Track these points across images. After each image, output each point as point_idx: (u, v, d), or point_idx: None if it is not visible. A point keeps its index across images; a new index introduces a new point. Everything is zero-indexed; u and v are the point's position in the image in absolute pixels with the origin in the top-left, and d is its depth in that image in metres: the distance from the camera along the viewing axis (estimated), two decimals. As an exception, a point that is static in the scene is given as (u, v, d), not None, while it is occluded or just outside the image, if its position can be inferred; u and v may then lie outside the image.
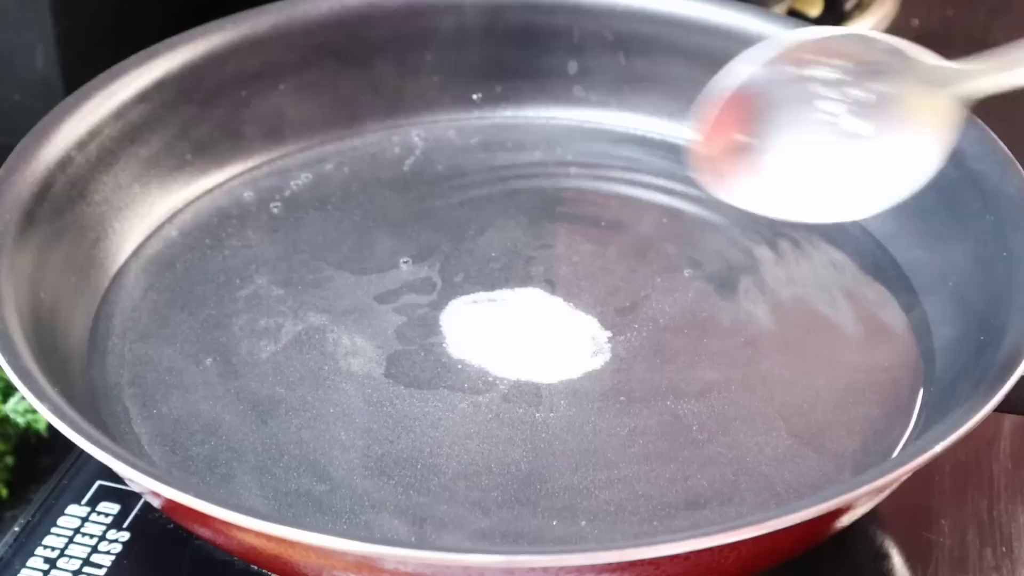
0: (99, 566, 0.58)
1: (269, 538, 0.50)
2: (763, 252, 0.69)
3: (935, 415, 0.58)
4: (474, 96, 0.76)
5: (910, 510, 0.61)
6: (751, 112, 0.60)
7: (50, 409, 0.53)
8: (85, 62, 0.72)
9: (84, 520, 0.60)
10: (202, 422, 0.60)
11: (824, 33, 0.60)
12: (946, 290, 0.64)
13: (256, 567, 0.57)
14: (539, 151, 0.74)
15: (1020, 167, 0.64)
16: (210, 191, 0.71)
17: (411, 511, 0.56)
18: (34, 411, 0.68)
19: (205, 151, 0.71)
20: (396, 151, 0.74)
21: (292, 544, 0.50)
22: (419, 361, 0.62)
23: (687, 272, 0.67)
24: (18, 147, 0.64)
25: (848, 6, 0.93)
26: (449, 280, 0.66)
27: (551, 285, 0.66)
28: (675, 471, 0.58)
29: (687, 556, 0.50)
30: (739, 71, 0.59)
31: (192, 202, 0.70)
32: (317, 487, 0.57)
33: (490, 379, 0.61)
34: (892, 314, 0.65)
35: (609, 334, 0.64)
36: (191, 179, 0.70)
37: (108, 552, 0.59)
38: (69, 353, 0.61)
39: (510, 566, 0.50)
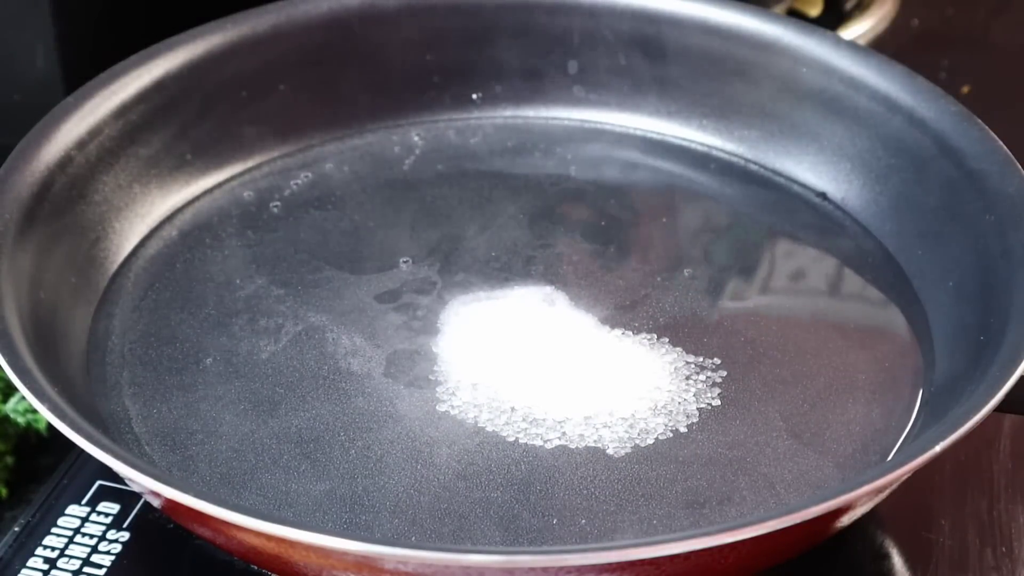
0: (99, 566, 0.58)
1: (269, 538, 0.50)
2: (763, 252, 0.69)
3: (935, 415, 0.58)
4: (474, 96, 0.76)
5: (910, 510, 0.61)
6: None
7: (50, 409, 0.53)
8: (85, 62, 0.72)
9: (84, 520, 0.60)
10: (202, 422, 0.60)
11: None
12: (946, 290, 0.64)
13: (256, 567, 0.57)
14: (539, 151, 0.74)
15: (1020, 167, 0.64)
16: (210, 191, 0.71)
17: (411, 511, 0.56)
18: (34, 411, 0.68)
19: (205, 151, 0.71)
20: (396, 151, 0.74)
21: (292, 544, 0.50)
22: (419, 361, 0.62)
23: (687, 272, 0.67)
24: (18, 147, 0.64)
25: (848, 6, 0.93)
26: (449, 280, 0.66)
27: (551, 284, 0.66)
28: (675, 471, 0.58)
29: (687, 556, 0.50)
30: None
31: (192, 202, 0.70)
32: (317, 487, 0.57)
33: (490, 379, 0.61)
34: (892, 314, 0.65)
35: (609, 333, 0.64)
36: (191, 179, 0.70)
37: (108, 552, 0.59)
38: (69, 353, 0.61)
39: (510, 566, 0.50)
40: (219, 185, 0.71)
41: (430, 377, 0.62)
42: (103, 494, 0.61)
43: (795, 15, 0.90)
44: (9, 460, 0.68)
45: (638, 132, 0.75)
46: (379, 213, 0.70)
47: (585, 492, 0.57)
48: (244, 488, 0.57)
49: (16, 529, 0.60)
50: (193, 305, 0.65)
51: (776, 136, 0.72)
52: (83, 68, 0.70)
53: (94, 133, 0.66)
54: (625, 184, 0.73)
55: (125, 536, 0.59)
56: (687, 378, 0.62)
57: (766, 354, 0.63)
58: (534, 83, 0.76)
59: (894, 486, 0.55)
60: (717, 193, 0.72)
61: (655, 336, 0.64)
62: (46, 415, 0.53)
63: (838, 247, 0.69)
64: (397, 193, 0.72)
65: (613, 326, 0.64)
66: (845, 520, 0.54)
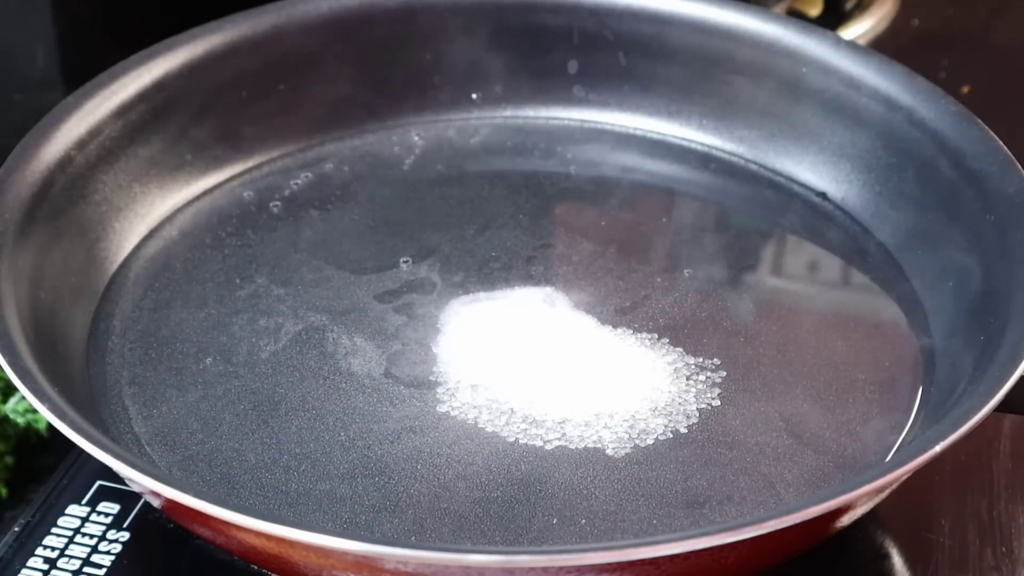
0: (99, 566, 0.58)
1: (269, 538, 0.50)
2: (763, 252, 0.69)
3: (935, 415, 0.58)
4: (474, 96, 0.76)
5: (910, 510, 0.61)
6: None
7: (50, 409, 0.53)
8: (85, 62, 0.72)
9: (84, 520, 0.60)
10: (202, 422, 0.60)
11: None
12: (946, 290, 0.64)
13: (256, 567, 0.57)
14: (539, 151, 0.74)
15: (1020, 167, 0.64)
16: (210, 191, 0.71)
17: (411, 511, 0.56)
18: (34, 411, 0.68)
19: (205, 151, 0.71)
20: (396, 151, 0.74)
21: (292, 544, 0.50)
22: (419, 361, 0.62)
23: (687, 272, 0.67)
24: (18, 147, 0.64)
25: (848, 6, 0.93)
26: (449, 280, 0.66)
27: (551, 285, 0.66)
28: (675, 471, 0.58)
29: (687, 556, 0.50)
30: None
31: (192, 202, 0.70)
32: (317, 487, 0.57)
33: (490, 379, 0.61)
34: (892, 314, 0.65)
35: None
36: (191, 179, 0.70)
37: (108, 552, 0.59)
38: (69, 353, 0.61)
39: (510, 566, 0.50)
40: (219, 185, 0.71)
41: (430, 377, 0.62)
42: (103, 494, 0.61)
43: (795, 15, 0.90)
44: (9, 460, 0.68)
45: (638, 132, 0.75)
46: (379, 213, 0.70)
47: (585, 492, 0.57)
48: (244, 488, 0.57)
49: (16, 529, 0.60)
50: (193, 305, 0.65)
51: (776, 136, 0.72)
52: (83, 68, 0.70)
53: (94, 133, 0.66)
54: (625, 184, 0.73)
55: (125, 536, 0.59)
56: (687, 378, 0.62)
57: (766, 354, 0.63)
58: (534, 83, 0.76)
59: (894, 486, 0.55)
60: (717, 193, 0.72)
61: (655, 336, 0.64)
62: (46, 415, 0.53)
63: (838, 247, 0.69)
64: (397, 193, 0.72)
65: (613, 326, 0.64)
66: (845, 520, 0.54)
